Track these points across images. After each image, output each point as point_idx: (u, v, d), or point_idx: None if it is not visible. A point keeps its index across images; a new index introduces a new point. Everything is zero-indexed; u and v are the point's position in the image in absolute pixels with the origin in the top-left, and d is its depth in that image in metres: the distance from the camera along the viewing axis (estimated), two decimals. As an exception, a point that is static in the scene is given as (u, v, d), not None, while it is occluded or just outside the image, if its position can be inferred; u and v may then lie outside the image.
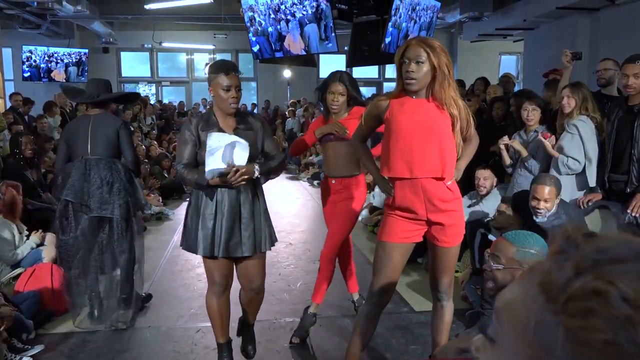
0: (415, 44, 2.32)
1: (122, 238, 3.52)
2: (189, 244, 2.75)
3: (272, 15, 7.19)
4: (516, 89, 7.30)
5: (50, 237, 4.34)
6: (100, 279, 3.58)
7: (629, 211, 3.43)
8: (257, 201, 2.75)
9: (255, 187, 2.74)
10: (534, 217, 3.27)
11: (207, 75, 2.91)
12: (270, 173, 2.80)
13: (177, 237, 6.00)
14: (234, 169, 2.54)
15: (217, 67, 2.70)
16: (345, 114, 3.28)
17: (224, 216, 2.65)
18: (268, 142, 2.82)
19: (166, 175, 8.67)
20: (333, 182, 3.34)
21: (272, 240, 2.84)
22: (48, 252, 4.17)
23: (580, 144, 3.68)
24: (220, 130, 2.65)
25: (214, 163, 2.54)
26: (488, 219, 4.27)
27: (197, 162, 2.69)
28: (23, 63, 11.92)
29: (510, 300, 0.54)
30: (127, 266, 3.58)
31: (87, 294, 3.57)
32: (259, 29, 7.42)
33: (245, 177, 2.59)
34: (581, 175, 3.83)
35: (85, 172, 3.43)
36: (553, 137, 3.90)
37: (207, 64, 13.99)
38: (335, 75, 3.27)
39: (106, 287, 3.60)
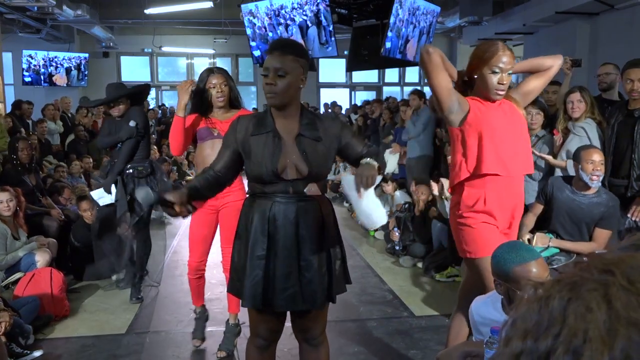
0: (510, 54, 2.28)
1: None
2: (236, 287, 2.14)
3: (272, 20, 7.20)
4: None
5: (42, 241, 4.31)
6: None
7: (629, 215, 3.42)
8: (325, 235, 2.08)
9: (323, 215, 2.08)
10: (589, 183, 3.23)
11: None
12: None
13: (177, 241, 5.99)
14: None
15: (269, 47, 2.10)
16: (230, 114, 3.00)
17: (277, 257, 2.02)
18: (353, 142, 2.13)
19: (165, 179, 8.66)
20: None
21: (345, 283, 2.18)
22: (42, 256, 4.11)
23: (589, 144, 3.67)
24: (276, 134, 2.03)
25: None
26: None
27: (237, 173, 2.16)
28: (23, 68, 11.93)
29: None
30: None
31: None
32: (259, 33, 7.43)
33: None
34: None
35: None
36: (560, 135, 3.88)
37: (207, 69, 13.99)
38: (208, 70, 3.11)
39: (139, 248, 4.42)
